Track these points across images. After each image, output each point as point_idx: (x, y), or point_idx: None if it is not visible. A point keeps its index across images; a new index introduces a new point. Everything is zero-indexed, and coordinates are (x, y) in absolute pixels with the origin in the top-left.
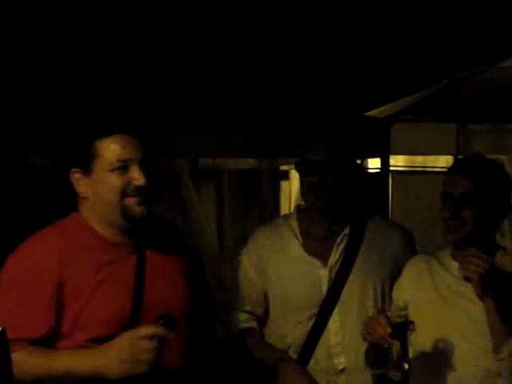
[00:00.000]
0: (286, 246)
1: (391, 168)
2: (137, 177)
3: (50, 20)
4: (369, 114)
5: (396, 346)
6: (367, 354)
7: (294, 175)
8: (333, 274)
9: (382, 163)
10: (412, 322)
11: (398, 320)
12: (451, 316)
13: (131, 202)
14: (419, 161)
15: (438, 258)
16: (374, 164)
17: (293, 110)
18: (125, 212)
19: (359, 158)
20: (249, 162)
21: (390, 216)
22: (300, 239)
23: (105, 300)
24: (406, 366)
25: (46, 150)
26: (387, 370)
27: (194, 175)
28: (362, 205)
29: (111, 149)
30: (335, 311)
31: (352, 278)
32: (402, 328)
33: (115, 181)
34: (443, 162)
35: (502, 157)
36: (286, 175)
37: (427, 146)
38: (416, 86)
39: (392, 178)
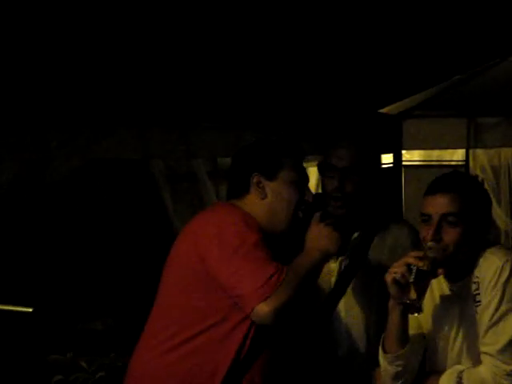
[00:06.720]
0: None
1: (405, 163)
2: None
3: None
4: (381, 111)
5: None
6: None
7: (312, 172)
8: (342, 267)
9: (394, 158)
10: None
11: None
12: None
13: None
14: (435, 155)
15: None
16: (387, 160)
17: (309, 109)
18: None
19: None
20: None
21: (403, 209)
22: None
23: None
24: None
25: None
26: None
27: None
28: (378, 208)
29: None
30: (341, 302)
31: (360, 273)
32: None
33: None
34: (459, 155)
35: None
36: None
37: (439, 141)
38: (427, 82)
39: (405, 172)
